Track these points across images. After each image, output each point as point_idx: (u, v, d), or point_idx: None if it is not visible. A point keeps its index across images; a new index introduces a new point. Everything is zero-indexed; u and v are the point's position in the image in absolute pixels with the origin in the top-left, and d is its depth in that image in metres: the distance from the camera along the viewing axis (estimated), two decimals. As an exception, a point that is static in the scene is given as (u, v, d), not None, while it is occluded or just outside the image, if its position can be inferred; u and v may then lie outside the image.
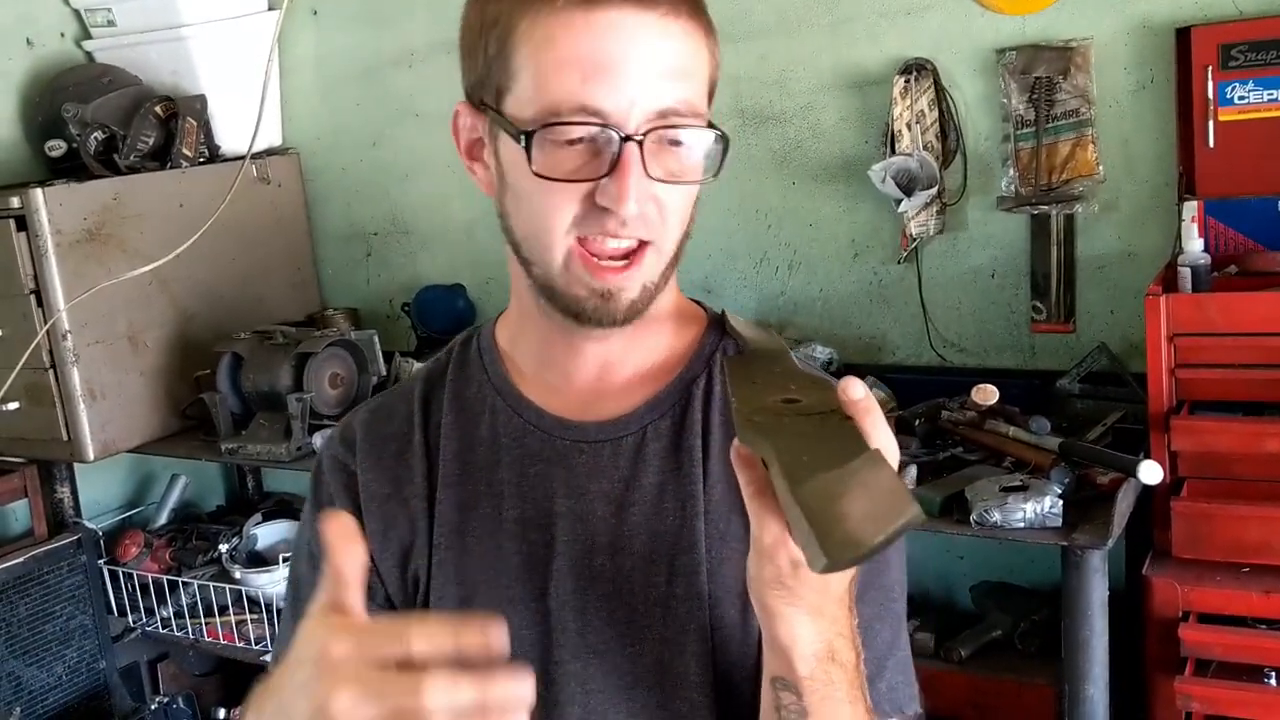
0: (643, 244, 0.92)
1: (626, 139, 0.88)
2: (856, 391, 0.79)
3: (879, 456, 0.72)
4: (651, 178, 0.89)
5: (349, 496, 1.03)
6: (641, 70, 0.88)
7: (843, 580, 0.85)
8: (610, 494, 1.00)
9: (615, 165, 0.88)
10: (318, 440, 2.40)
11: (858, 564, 0.65)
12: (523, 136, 0.89)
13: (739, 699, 0.98)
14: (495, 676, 0.69)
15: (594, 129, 0.88)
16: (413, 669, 0.69)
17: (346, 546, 0.74)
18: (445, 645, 0.69)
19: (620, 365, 1.03)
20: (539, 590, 0.99)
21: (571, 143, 0.89)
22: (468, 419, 1.04)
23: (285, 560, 2.56)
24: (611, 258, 0.92)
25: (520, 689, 0.69)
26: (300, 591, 1.05)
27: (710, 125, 0.93)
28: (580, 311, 0.94)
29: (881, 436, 0.79)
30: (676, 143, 0.91)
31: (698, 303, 1.10)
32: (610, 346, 1.01)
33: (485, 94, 0.94)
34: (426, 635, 0.70)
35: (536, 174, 0.89)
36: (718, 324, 1.08)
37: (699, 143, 0.92)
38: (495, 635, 0.70)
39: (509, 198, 0.96)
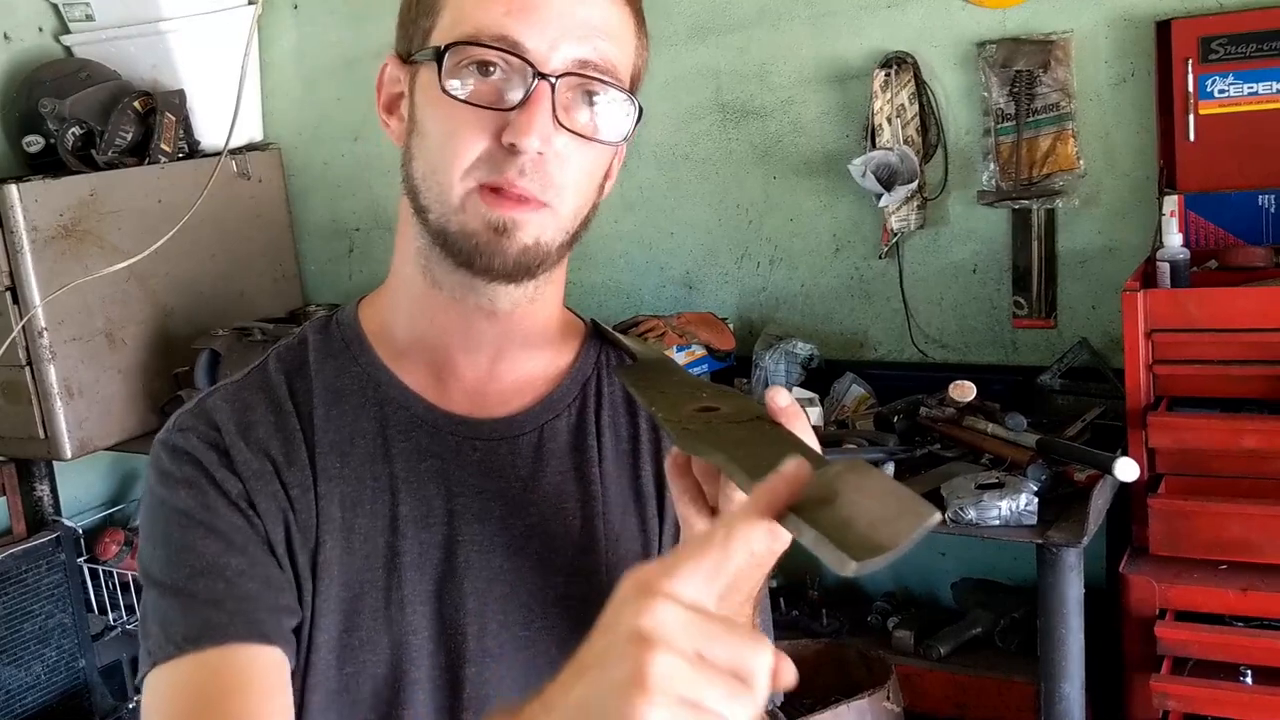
0: (539, 204, 0.90)
1: (541, 77, 0.87)
2: (783, 399, 0.81)
3: (861, 463, 0.72)
4: (560, 125, 0.88)
5: (230, 472, 0.94)
6: (567, 18, 0.88)
7: (760, 581, 0.85)
8: (508, 494, 0.98)
9: (526, 100, 0.87)
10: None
11: (883, 564, 0.64)
12: (435, 53, 0.88)
13: None
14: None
15: (510, 58, 0.87)
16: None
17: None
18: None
19: (511, 360, 1.00)
20: (432, 591, 0.95)
21: (485, 73, 0.88)
22: (345, 410, 0.98)
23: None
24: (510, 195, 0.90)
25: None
26: (201, 560, 0.91)
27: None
28: (473, 249, 0.90)
29: (812, 441, 0.80)
30: (591, 96, 0.90)
31: (571, 310, 1.09)
32: (501, 330, 0.97)
33: (413, 45, 0.94)
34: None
35: (445, 92, 0.88)
36: (596, 332, 1.08)
37: (613, 105, 0.91)
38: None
39: (415, 138, 0.93)
